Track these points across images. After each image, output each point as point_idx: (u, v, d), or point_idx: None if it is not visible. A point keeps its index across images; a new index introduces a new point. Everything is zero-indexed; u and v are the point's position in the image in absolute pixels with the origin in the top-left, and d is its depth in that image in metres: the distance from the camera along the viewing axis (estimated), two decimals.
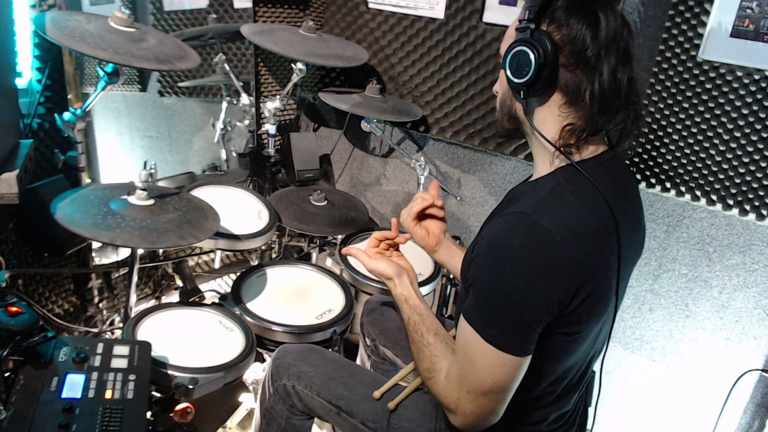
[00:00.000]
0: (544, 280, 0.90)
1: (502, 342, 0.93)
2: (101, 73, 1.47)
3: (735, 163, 1.71)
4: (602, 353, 1.13)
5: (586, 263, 0.92)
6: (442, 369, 1.05)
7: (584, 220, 0.94)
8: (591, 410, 1.27)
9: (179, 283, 1.95)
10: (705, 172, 1.77)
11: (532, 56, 0.94)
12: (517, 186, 1.14)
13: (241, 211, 1.85)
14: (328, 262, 2.21)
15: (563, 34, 0.94)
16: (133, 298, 1.62)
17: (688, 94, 1.74)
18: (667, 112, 1.80)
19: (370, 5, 2.29)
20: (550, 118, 1.00)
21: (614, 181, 1.02)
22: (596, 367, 1.20)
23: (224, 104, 2.28)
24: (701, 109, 1.73)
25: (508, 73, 0.98)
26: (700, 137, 1.75)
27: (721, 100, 1.69)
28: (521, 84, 0.97)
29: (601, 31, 0.94)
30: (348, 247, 1.31)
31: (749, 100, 1.64)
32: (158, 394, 1.32)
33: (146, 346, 1.20)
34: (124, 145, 2.18)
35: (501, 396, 0.97)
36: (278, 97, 2.15)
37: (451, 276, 2.03)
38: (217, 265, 2.06)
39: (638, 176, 1.91)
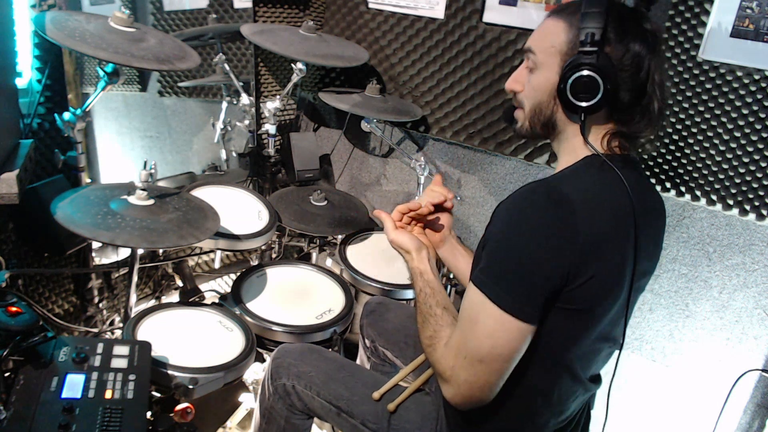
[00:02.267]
0: (558, 242, 0.91)
1: (508, 302, 0.92)
2: (101, 73, 1.47)
3: (735, 163, 1.71)
4: (616, 360, 1.12)
5: (600, 237, 0.94)
6: (443, 337, 1.05)
7: (604, 199, 0.97)
8: (593, 413, 1.27)
9: (179, 283, 1.95)
10: (705, 172, 1.77)
11: (601, 83, 0.96)
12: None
13: (241, 211, 1.85)
14: (328, 262, 2.20)
15: (620, 54, 0.97)
16: (133, 298, 1.62)
17: (688, 94, 1.74)
18: (667, 112, 1.80)
19: (370, 5, 2.29)
20: (594, 127, 1.04)
21: (637, 180, 1.03)
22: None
23: (224, 104, 2.28)
24: (701, 109, 1.73)
25: (569, 95, 0.99)
26: (700, 137, 1.75)
27: (721, 100, 1.69)
28: (584, 108, 0.99)
29: (652, 46, 0.97)
30: (379, 211, 1.27)
31: (749, 100, 1.64)
32: (158, 394, 1.32)
33: (146, 346, 1.20)
34: (124, 145, 2.18)
35: (497, 366, 0.95)
36: (278, 97, 2.15)
37: (451, 276, 2.03)
38: (217, 265, 2.06)
39: None
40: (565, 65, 0.99)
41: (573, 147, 1.05)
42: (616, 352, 1.12)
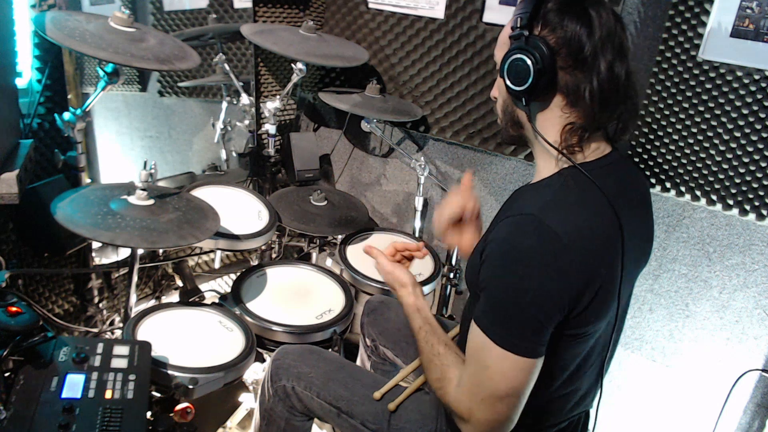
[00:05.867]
0: (554, 279, 0.90)
1: (516, 345, 0.92)
2: (101, 73, 1.47)
3: (735, 163, 1.71)
4: (608, 360, 1.13)
5: (593, 264, 0.93)
6: (452, 378, 1.04)
7: (589, 222, 0.94)
8: (591, 411, 1.26)
9: (179, 283, 1.95)
10: (705, 172, 1.77)
11: (529, 63, 0.95)
12: (522, 187, 1.14)
13: (241, 211, 1.85)
14: (328, 262, 2.21)
15: (558, 36, 0.95)
16: (133, 298, 1.62)
17: (688, 94, 1.74)
18: (667, 112, 1.80)
19: (370, 5, 2.29)
20: (551, 120, 1.01)
21: (620, 183, 1.02)
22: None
23: (224, 104, 2.28)
24: (701, 109, 1.73)
25: (507, 81, 0.99)
26: (700, 137, 1.75)
27: (721, 100, 1.69)
28: (521, 91, 0.98)
29: (594, 29, 0.94)
30: (370, 247, 1.31)
31: (749, 100, 1.64)
32: (158, 394, 1.32)
33: (146, 346, 1.20)
34: (124, 145, 2.18)
35: (515, 401, 0.96)
36: (278, 97, 2.15)
37: (451, 276, 2.03)
38: (217, 265, 2.06)
39: None
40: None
41: (542, 149, 1.04)
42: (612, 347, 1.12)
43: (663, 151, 1.83)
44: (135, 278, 1.59)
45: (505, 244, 0.94)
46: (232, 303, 1.60)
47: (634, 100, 1.02)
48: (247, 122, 2.28)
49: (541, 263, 0.90)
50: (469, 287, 1.12)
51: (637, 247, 1.06)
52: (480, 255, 1.00)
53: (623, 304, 1.10)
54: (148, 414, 1.15)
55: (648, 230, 1.14)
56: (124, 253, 1.89)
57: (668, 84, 1.77)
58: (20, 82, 1.50)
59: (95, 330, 1.82)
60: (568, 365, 1.04)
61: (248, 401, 1.77)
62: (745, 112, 1.66)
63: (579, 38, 0.94)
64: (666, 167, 1.85)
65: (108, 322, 1.86)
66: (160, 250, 1.89)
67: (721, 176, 1.74)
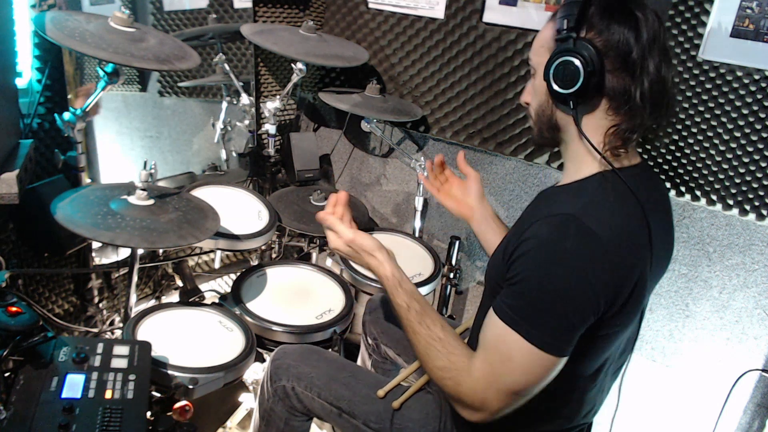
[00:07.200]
0: (593, 281, 0.90)
1: (546, 342, 0.92)
2: (101, 73, 1.47)
3: (735, 163, 1.71)
4: (623, 372, 1.13)
5: (628, 267, 0.94)
6: (461, 367, 1.00)
7: (626, 226, 0.95)
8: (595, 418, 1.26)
9: (179, 283, 1.95)
10: (705, 172, 1.77)
11: (579, 65, 0.94)
12: (549, 189, 1.13)
13: (241, 211, 1.85)
14: (328, 262, 2.20)
15: (605, 39, 0.95)
16: (133, 298, 1.62)
17: (688, 94, 1.74)
18: (669, 102, 1.79)
19: (370, 5, 2.29)
20: (593, 123, 1.00)
21: (649, 194, 1.02)
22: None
23: (224, 104, 2.28)
24: (701, 109, 1.73)
25: (554, 84, 0.98)
26: (700, 137, 1.75)
27: (721, 100, 1.69)
28: (569, 94, 0.97)
29: (641, 31, 0.94)
30: (321, 215, 1.21)
31: (749, 100, 1.64)
32: (158, 394, 1.32)
33: (146, 346, 1.20)
34: (124, 145, 2.18)
35: (530, 393, 0.96)
36: (278, 97, 2.15)
37: (451, 276, 2.03)
38: (217, 265, 2.06)
39: None
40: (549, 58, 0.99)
41: (578, 151, 1.04)
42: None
43: (663, 150, 1.83)
44: (135, 278, 1.59)
45: (546, 244, 0.93)
46: (232, 303, 1.60)
47: (673, 104, 1.02)
48: (247, 122, 2.28)
49: (580, 266, 0.90)
50: (488, 283, 1.10)
51: (660, 259, 1.06)
52: (508, 253, 0.99)
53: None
54: (148, 414, 1.15)
55: (670, 244, 1.14)
56: (124, 253, 1.89)
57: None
58: (20, 82, 1.50)
59: (95, 330, 1.81)
60: (589, 368, 1.03)
61: (248, 401, 1.77)
62: (745, 112, 1.65)
63: (627, 42, 0.94)
64: (666, 167, 1.85)
65: (108, 322, 1.86)
66: (160, 250, 1.89)
67: (721, 176, 1.74)
